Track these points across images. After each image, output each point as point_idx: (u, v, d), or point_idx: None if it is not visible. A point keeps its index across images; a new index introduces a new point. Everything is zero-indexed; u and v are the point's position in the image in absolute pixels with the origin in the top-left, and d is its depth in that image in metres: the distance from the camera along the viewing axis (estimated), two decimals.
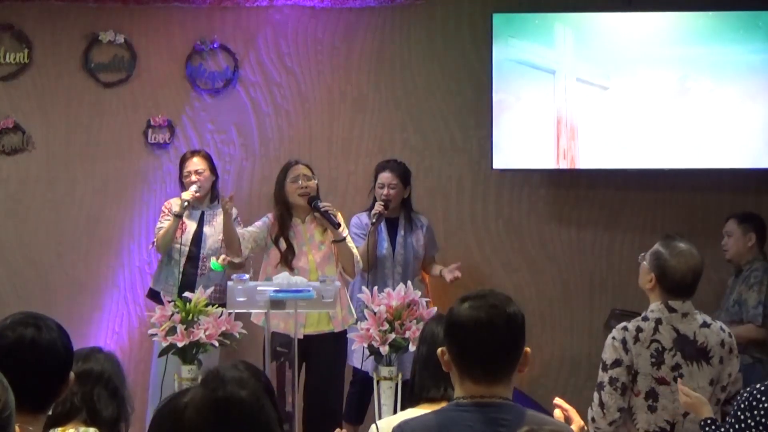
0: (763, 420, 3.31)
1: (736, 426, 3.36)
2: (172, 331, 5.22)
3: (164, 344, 5.25)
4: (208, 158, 6.41)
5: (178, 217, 6.15)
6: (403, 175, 6.40)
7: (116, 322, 6.89)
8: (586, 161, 6.75)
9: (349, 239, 5.95)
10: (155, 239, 6.29)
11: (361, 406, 6.32)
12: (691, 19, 6.69)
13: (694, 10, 6.67)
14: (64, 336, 2.62)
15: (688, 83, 6.65)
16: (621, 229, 7.02)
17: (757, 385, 3.44)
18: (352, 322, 5.82)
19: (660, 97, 6.68)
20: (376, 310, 5.24)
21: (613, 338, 4.09)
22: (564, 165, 6.76)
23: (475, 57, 6.97)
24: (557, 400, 2.88)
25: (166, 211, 6.30)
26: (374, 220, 6.13)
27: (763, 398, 3.33)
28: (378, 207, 6.18)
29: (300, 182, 5.89)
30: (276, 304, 5.16)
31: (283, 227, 5.88)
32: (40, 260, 6.93)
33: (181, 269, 6.20)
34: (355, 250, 5.92)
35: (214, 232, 6.30)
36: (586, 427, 2.84)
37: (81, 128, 6.97)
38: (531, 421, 2.53)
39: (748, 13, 6.63)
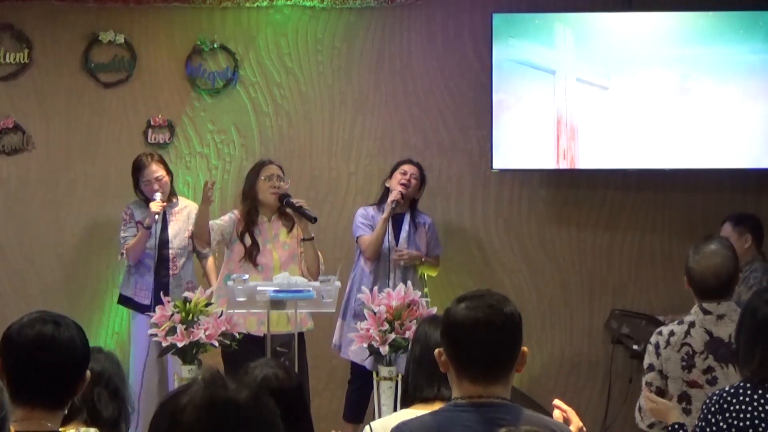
0: (735, 422, 3.29)
1: (707, 429, 3.33)
2: (172, 331, 5.23)
3: (164, 344, 5.26)
4: (162, 160, 6.40)
5: (148, 228, 6.17)
6: (423, 174, 6.49)
7: (116, 322, 6.88)
8: (586, 161, 6.75)
9: (313, 242, 5.97)
10: (124, 251, 6.27)
11: (361, 405, 6.32)
12: (691, 19, 6.69)
13: (694, 10, 6.67)
14: (81, 334, 2.64)
15: (688, 83, 6.65)
16: (621, 229, 7.03)
17: (726, 387, 3.42)
18: (310, 326, 5.94)
19: (660, 97, 6.68)
20: (376, 310, 5.24)
21: (650, 342, 4.11)
22: (564, 165, 6.76)
23: (475, 57, 6.97)
24: (556, 402, 2.88)
25: (128, 218, 6.30)
26: (393, 206, 6.17)
27: (734, 400, 3.31)
28: (395, 194, 6.23)
29: (274, 181, 5.92)
30: (276, 304, 5.17)
31: (249, 223, 5.93)
32: (40, 260, 6.93)
33: (153, 273, 6.21)
34: (319, 253, 5.95)
35: (179, 230, 6.33)
36: (584, 428, 2.84)
37: (81, 128, 6.97)
38: (529, 421, 2.53)
39: (748, 13, 6.63)
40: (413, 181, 6.37)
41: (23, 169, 6.94)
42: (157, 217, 6.16)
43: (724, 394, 3.33)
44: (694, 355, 3.99)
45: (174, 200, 6.40)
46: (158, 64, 7.01)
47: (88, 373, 2.63)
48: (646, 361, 4.09)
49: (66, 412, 2.65)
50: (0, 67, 6.93)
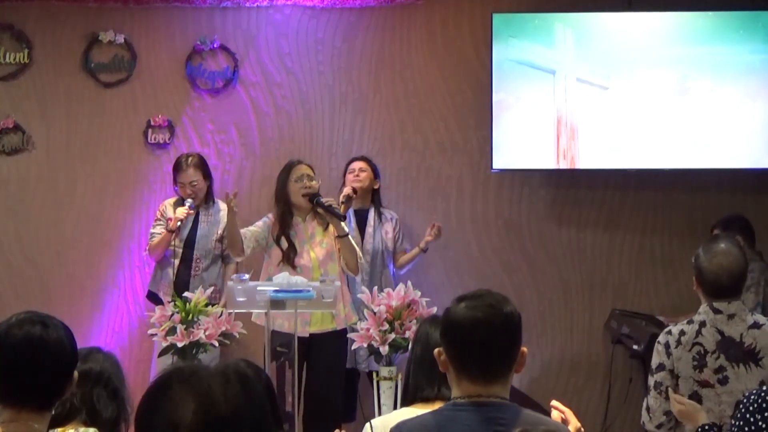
0: None
1: (745, 429, 3.32)
2: (172, 331, 5.23)
3: (164, 344, 5.26)
4: (202, 165, 6.39)
5: (171, 232, 6.19)
6: (373, 166, 6.53)
7: (116, 322, 6.89)
8: (586, 161, 6.75)
9: (351, 237, 5.95)
10: (148, 246, 6.33)
11: (349, 403, 6.31)
12: (691, 19, 6.69)
13: (694, 10, 6.67)
14: (69, 335, 2.63)
15: (688, 83, 6.66)
16: (621, 229, 7.03)
17: (765, 387, 3.42)
18: (355, 320, 5.82)
19: (660, 97, 6.68)
20: (376, 310, 5.24)
21: (659, 342, 4.09)
22: (564, 165, 6.76)
23: (475, 57, 6.97)
24: (554, 403, 2.89)
25: (159, 215, 6.35)
26: (344, 201, 6.13)
27: None
28: (347, 189, 6.22)
29: (304, 182, 5.90)
30: (276, 304, 5.17)
31: (284, 226, 5.89)
32: (40, 260, 6.93)
33: (175, 270, 6.22)
34: (357, 248, 5.92)
35: (207, 233, 6.33)
36: (582, 429, 2.84)
37: (81, 128, 6.97)
38: (528, 421, 2.54)
39: (748, 13, 6.63)
40: (362, 174, 6.41)
41: (23, 169, 6.95)
42: (179, 223, 6.16)
43: (763, 393, 3.32)
44: (705, 354, 3.97)
45: (211, 203, 6.40)
46: (158, 64, 7.01)
47: (76, 374, 2.63)
48: (656, 361, 4.06)
49: (53, 412, 2.65)
50: (0, 67, 6.93)
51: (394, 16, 7.05)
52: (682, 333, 4.04)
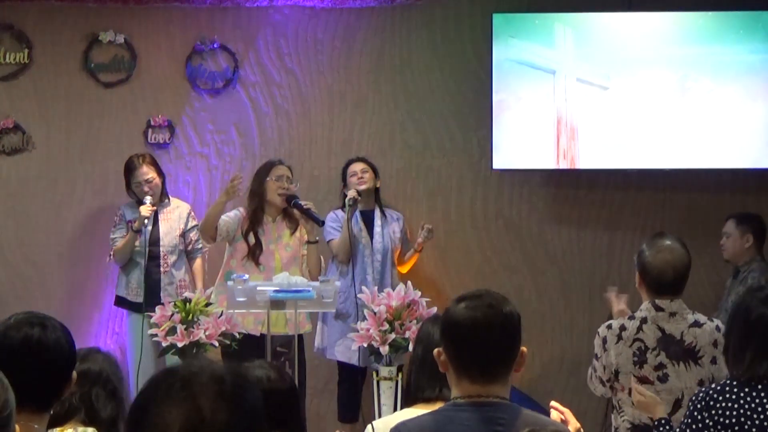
0: (721, 419, 3.30)
1: (693, 426, 3.34)
2: (172, 331, 5.23)
3: (164, 344, 5.26)
4: (154, 162, 6.43)
5: (138, 232, 6.21)
6: (373, 166, 6.50)
7: (116, 322, 6.88)
8: (586, 161, 6.75)
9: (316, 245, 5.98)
10: (112, 252, 6.34)
11: (353, 404, 6.31)
12: (691, 19, 6.69)
13: (694, 10, 6.67)
14: (68, 335, 2.63)
15: (688, 83, 6.65)
16: (621, 229, 7.02)
17: (712, 385, 3.45)
18: (308, 329, 5.93)
19: (660, 97, 6.68)
20: (376, 310, 5.24)
21: (598, 334, 4.15)
22: (564, 165, 6.76)
23: (475, 57, 6.97)
24: (553, 403, 2.89)
25: (118, 220, 6.39)
26: (351, 203, 6.14)
27: (720, 397, 3.32)
28: (352, 192, 6.22)
29: (283, 182, 5.93)
30: (276, 304, 5.17)
31: (254, 222, 5.93)
32: (40, 260, 6.93)
33: (143, 270, 6.23)
34: (321, 256, 5.96)
35: (170, 229, 6.39)
36: (582, 429, 2.84)
37: (81, 128, 6.97)
38: (528, 421, 2.54)
39: (748, 13, 6.63)
40: (365, 176, 6.39)
41: (23, 169, 6.94)
42: (146, 221, 6.19)
43: (710, 392, 3.35)
44: (646, 351, 4.01)
45: (166, 200, 6.45)
46: (158, 64, 7.01)
47: (74, 374, 2.63)
48: (595, 350, 4.15)
49: (51, 413, 2.65)
50: (0, 67, 6.93)
51: (394, 16, 7.05)
52: (622, 328, 4.07)
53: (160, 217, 6.37)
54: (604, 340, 4.09)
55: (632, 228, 7.00)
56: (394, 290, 5.33)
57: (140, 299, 6.14)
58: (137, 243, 6.24)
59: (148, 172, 6.30)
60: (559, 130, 6.72)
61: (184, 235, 6.37)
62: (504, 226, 7.05)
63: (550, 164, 6.78)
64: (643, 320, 4.05)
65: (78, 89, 6.97)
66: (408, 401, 3.19)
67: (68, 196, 6.96)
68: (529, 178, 7.02)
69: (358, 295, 5.74)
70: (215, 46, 6.98)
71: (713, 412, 3.31)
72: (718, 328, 4.03)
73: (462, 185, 7.05)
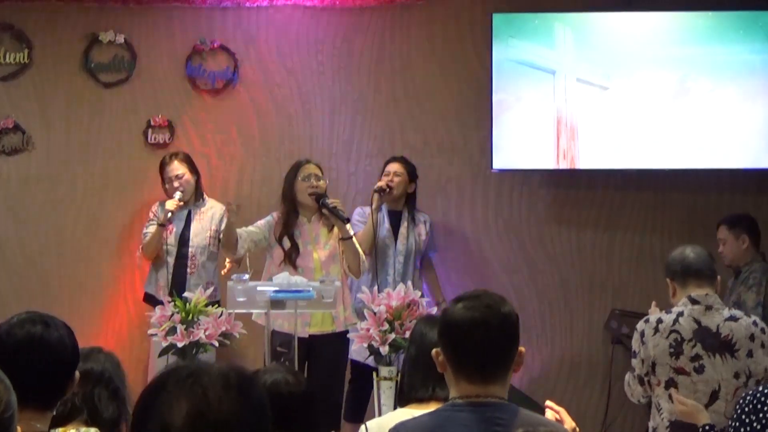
0: None
1: (741, 429, 3.35)
2: (172, 331, 5.23)
3: (164, 344, 5.26)
4: (188, 160, 6.47)
5: (162, 226, 6.24)
6: (410, 168, 6.48)
7: (116, 322, 6.89)
8: (586, 161, 6.76)
9: (355, 239, 5.95)
10: (142, 245, 6.40)
11: (361, 404, 6.31)
12: (691, 19, 6.69)
13: (694, 10, 6.67)
14: (70, 335, 2.64)
15: (688, 83, 6.66)
16: (621, 229, 7.03)
17: (760, 387, 3.44)
18: (355, 322, 5.81)
19: (660, 97, 6.68)
20: (376, 310, 5.24)
21: (636, 329, 4.24)
22: (564, 165, 6.76)
23: (475, 57, 6.97)
24: (548, 403, 2.90)
25: (152, 216, 6.42)
26: (377, 190, 6.16)
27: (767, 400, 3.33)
28: (381, 182, 6.26)
29: (312, 181, 5.90)
30: (276, 304, 5.17)
31: (288, 225, 5.89)
32: (40, 260, 6.93)
33: (170, 269, 6.24)
34: (360, 250, 5.92)
35: (201, 229, 6.38)
36: (578, 429, 2.85)
37: (81, 128, 6.97)
38: (526, 421, 2.54)
39: (748, 13, 6.63)
40: (396, 179, 6.38)
41: (23, 169, 6.94)
42: (170, 215, 6.21)
43: (758, 394, 3.35)
44: (682, 342, 4.09)
45: (201, 200, 6.46)
46: (158, 64, 7.01)
47: (77, 373, 2.63)
48: (633, 347, 4.24)
49: (54, 412, 2.65)
50: (0, 67, 6.93)
51: (394, 16, 7.05)
52: (659, 321, 4.18)
53: (193, 217, 6.39)
54: (642, 334, 4.18)
55: (632, 228, 7.01)
56: None
57: (168, 298, 6.13)
58: (169, 241, 6.27)
59: (177, 168, 6.37)
60: (559, 130, 6.72)
61: (216, 235, 6.34)
62: (504, 226, 7.05)
63: (550, 164, 6.78)
64: (680, 313, 4.16)
65: (78, 89, 6.97)
66: (401, 401, 3.19)
67: (68, 196, 6.96)
68: (529, 178, 7.03)
69: (358, 295, 5.74)
70: (215, 46, 6.99)
71: (760, 415, 3.31)
72: (755, 323, 4.12)
73: (462, 185, 7.05)
